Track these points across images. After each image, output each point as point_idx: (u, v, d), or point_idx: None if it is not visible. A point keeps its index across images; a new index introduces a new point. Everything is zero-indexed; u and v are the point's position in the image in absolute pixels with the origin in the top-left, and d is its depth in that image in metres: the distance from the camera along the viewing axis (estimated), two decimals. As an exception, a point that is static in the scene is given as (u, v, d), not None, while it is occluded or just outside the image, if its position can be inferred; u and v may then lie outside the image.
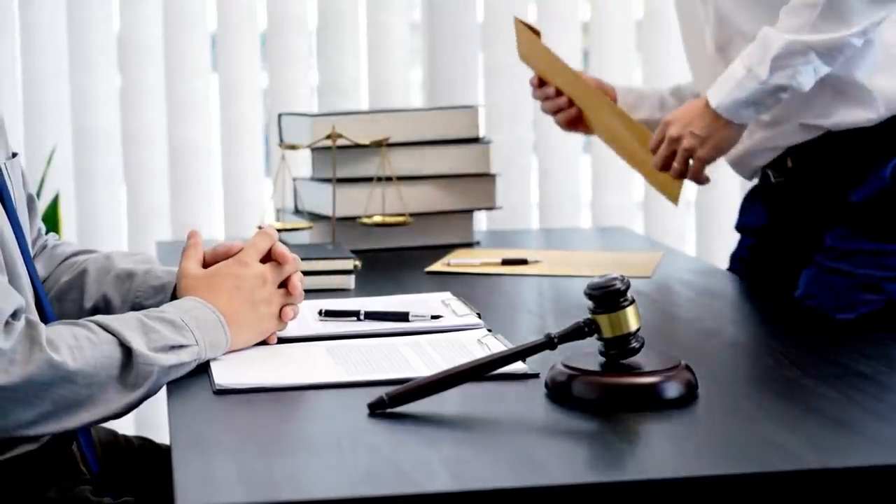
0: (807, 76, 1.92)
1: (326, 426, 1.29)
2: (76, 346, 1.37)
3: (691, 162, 2.06)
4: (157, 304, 1.57)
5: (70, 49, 3.12)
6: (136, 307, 1.60)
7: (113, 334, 1.40)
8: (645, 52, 3.33)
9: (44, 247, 1.77)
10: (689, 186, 2.22)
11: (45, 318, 1.55)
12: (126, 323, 1.43)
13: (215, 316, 1.51)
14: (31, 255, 1.63)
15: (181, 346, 1.44)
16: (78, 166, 3.16)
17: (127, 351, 1.40)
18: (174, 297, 1.61)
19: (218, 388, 1.39)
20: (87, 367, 1.37)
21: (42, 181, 2.99)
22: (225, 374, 1.43)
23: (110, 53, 3.15)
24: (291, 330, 1.62)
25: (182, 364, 1.44)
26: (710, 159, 2.04)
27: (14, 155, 1.66)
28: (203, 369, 1.46)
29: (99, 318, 1.43)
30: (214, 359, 1.49)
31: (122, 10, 3.15)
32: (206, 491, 1.11)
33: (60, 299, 1.69)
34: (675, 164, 2.05)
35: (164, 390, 1.43)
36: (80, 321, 1.43)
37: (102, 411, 1.39)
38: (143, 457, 1.80)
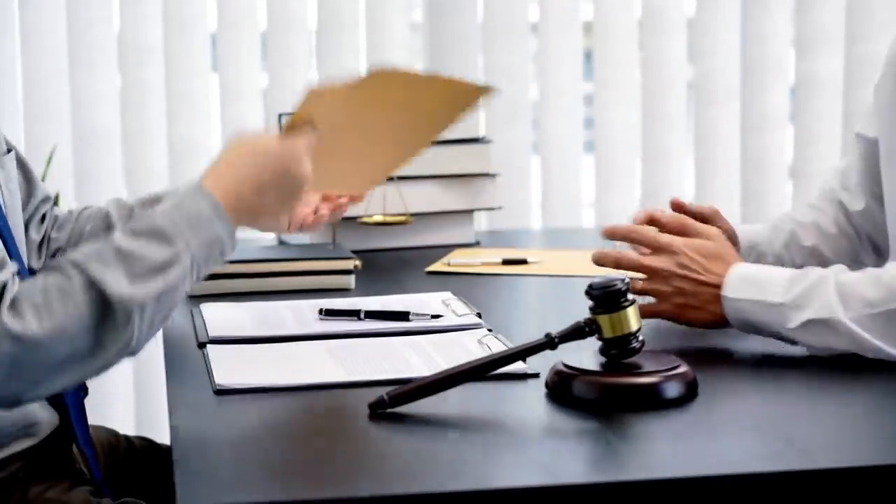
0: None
1: (326, 426, 1.29)
2: (44, 303, 1.25)
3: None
4: None
5: (70, 49, 3.12)
6: None
7: (88, 275, 1.27)
8: (646, 52, 3.33)
9: (54, 219, 1.80)
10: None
11: None
12: (103, 257, 1.29)
13: (210, 208, 1.35)
14: (23, 254, 1.62)
15: (168, 265, 1.30)
16: (78, 166, 3.15)
17: (102, 296, 1.26)
18: None
19: (218, 388, 1.39)
20: (56, 325, 1.24)
21: (42, 181, 2.99)
22: (225, 374, 1.43)
23: (110, 53, 3.15)
24: (291, 330, 1.62)
25: (169, 289, 1.30)
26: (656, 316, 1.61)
27: (9, 150, 1.66)
28: (203, 369, 1.46)
29: (78, 256, 1.29)
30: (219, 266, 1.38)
31: (122, 10, 3.14)
32: (207, 491, 1.11)
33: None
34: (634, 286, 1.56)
35: (163, 390, 1.43)
36: (61, 264, 1.29)
37: (80, 372, 1.29)
38: (143, 457, 1.80)
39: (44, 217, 1.81)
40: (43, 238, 1.79)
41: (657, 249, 1.61)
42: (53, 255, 1.78)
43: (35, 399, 1.35)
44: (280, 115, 2.45)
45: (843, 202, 1.87)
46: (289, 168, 1.42)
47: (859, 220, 1.86)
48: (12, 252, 1.52)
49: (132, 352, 1.30)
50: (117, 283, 1.27)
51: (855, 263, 1.80)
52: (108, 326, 1.26)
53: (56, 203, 1.90)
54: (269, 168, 1.41)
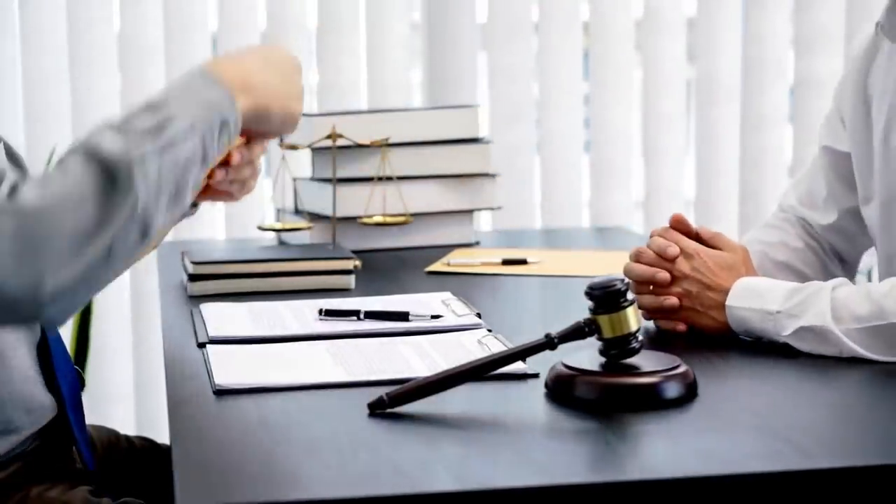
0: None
1: (326, 426, 1.29)
2: (43, 180, 1.21)
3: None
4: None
5: (70, 49, 3.11)
6: None
7: (84, 149, 1.24)
8: (644, 52, 3.33)
9: None
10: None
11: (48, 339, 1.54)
12: (96, 134, 1.27)
13: (200, 76, 1.35)
14: None
15: (163, 125, 1.28)
16: (78, 166, 3.15)
17: (98, 160, 1.22)
18: None
19: (218, 388, 1.39)
20: (54, 194, 1.20)
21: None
22: (225, 374, 1.43)
23: (110, 53, 3.15)
24: (291, 330, 1.62)
25: (169, 143, 1.27)
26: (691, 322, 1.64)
27: None
28: (203, 369, 1.46)
29: (74, 143, 1.27)
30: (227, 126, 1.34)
31: (122, 10, 3.14)
32: (206, 491, 1.11)
33: None
34: (649, 300, 1.64)
35: (163, 390, 1.43)
36: (60, 157, 1.26)
37: (92, 250, 1.20)
38: (143, 457, 1.80)
39: None
40: None
41: (682, 253, 1.65)
42: None
43: (56, 292, 1.20)
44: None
45: (806, 219, 1.88)
46: (288, 56, 1.43)
47: (826, 233, 1.87)
48: None
49: (143, 222, 1.24)
50: (112, 144, 1.24)
51: (825, 275, 1.81)
52: (109, 190, 1.22)
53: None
54: (268, 49, 1.43)
